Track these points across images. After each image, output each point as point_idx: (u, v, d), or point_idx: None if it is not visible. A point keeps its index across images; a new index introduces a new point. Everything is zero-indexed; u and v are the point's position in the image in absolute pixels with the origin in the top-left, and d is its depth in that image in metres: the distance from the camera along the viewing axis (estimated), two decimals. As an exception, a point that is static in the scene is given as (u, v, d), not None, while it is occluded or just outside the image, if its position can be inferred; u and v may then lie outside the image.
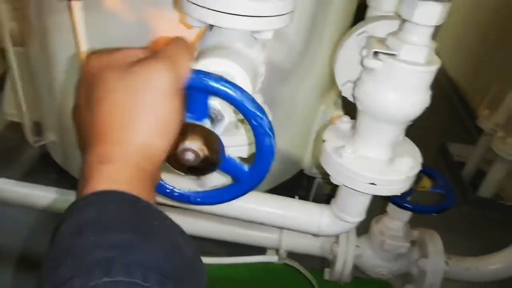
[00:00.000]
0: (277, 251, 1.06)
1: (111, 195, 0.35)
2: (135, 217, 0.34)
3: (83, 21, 0.69)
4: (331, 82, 1.23)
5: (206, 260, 1.01)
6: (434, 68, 0.62)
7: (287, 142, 1.16)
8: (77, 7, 0.66)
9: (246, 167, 0.50)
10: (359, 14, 1.11)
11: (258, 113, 0.45)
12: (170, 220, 0.37)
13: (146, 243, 0.32)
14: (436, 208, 0.92)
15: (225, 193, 0.55)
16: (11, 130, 1.61)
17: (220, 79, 0.44)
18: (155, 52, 0.43)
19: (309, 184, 1.46)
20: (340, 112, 1.19)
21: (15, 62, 1.05)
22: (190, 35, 0.78)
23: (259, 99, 0.65)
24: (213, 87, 0.44)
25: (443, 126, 2.26)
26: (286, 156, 1.18)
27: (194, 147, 0.45)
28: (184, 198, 0.56)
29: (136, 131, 0.38)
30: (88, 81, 0.41)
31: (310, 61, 1.04)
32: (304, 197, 1.39)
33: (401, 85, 0.62)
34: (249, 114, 0.45)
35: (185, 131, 0.45)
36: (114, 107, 0.38)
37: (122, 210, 0.34)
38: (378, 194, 0.69)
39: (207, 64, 0.57)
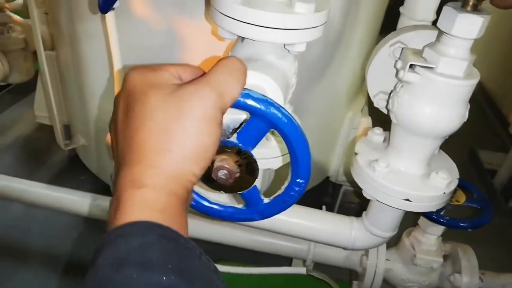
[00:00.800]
0: (303, 262, 1.05)
1: (150, 228, 0.34)
2: (177, 257, 0.33)
3: (116, 30, 0.69)
4: (359, 88, 1.21)
5: (234, 269, 1.00)
6: (473, 82, 0.60)
7: (313, 149, 1.14)
8: (111, 17, 0.66)
9: (264, 200, 0.50)
10: (388, 20, 1.09)
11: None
12: (205, 256, 0.36)
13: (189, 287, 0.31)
14: (471, 224, 0.89)
15: (233, 212, 0.54)
16: (41, 132, 1.65)
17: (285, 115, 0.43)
18: (203, 75, 0.41)
19: (335, 192, 1.44)
20: (367, 119, 1.16)
21: (46, 65, 1.06)
22: (220, 46, 0.78)
23: (289, 109, 0.64)
24: (280, 123, 0.43)
25: (473, 133, 2.19)
26: (312, 163, 1.16)
27: (228, 166, 0.44)
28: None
29: (172, 156, 0.37)
30: (129, 97, 0.40)
31: (338, 68, 1.02)
32: (330, 205, 1.37)
33: (439, 99, 0.60)
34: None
35: (223, 149, 0.44)
36: (152, 129, 0.37)
37: (163, 247, 0.33)
38: (413, 211, 0.67)
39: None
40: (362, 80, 1.20)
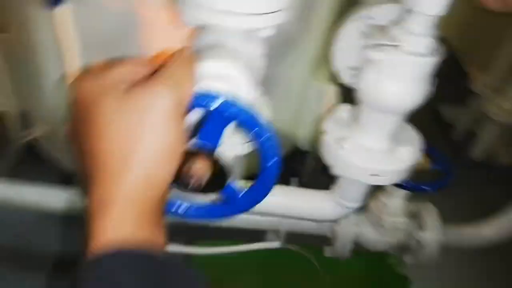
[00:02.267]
0: (276, 233, 1.07)
1: (121, 259, 0.32)
2: (153, 283, 0.32)
3: (72, 17, 0.65)
4: (324, 57, 1.20)
5: (203, 250, 1.01)
6: (438, 58, 0.61)
7: (280, 119, 1.14)
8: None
9: (241, 193, 0.50)
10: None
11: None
12: (189, 270, 0.35)
13: None
14: (433, 186, 0.93)
15: (212, 211, 0.54)
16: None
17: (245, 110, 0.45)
18: (156, 70, 0.40)
19: (303, 158, 1.46)
20: (334, 87, 1.17)
21: (-1, 49, 1.00)
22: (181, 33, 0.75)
23: (258, 91, 0.63)
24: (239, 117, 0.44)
25: (434, 88, 2.24)
26: (279, 133, 1.16)
27: (198, 170, 0.44)
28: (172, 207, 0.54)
29: (137, 162, 0.35)
30: (83, 110, 0.38)
31: (301, 36, 1.01)
32: (299, 173, 1.40)
33: (405, 77, 0.61)
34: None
35: (190, 153, 0.43)
36: (113, 137, 0.35)
37: (137, 278, 0.32)
38: (381, 184, 0.70)
39: (207, 67, 0.54)
40: (328, 49, 1.19)
